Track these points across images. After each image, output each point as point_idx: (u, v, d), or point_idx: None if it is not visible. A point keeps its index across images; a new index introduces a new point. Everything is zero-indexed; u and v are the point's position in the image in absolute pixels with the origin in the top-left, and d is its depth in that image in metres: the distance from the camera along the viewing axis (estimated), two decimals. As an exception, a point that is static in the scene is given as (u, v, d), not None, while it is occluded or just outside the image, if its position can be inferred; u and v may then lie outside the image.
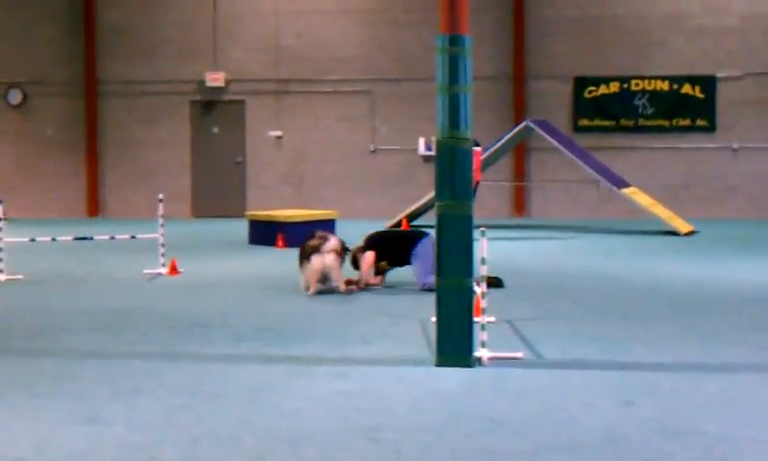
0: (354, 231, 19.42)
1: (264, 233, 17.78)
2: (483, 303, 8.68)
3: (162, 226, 14.24)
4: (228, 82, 24.12)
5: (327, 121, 23.99)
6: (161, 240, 14.18)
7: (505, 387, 7.57)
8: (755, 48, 22.69)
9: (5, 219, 14.00)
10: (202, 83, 24.16)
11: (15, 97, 24.52)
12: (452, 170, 8.31)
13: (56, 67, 24.50)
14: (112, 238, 15.83)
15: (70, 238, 15.95)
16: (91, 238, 16.01)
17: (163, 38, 24.29)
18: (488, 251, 8.64)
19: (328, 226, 18.15)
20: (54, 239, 15.69)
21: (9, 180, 24.30)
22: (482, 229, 8.74)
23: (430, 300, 8.63)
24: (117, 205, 24.46)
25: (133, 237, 15.60)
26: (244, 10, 24.09)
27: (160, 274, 13.97)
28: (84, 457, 5.96)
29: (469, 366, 8.12)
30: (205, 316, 10.78)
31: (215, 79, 24.05)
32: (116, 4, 24.35)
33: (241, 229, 18.90)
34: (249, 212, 19.75)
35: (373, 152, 23.93)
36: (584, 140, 22.33)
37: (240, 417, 6.80)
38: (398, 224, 20.91)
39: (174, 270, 14.07)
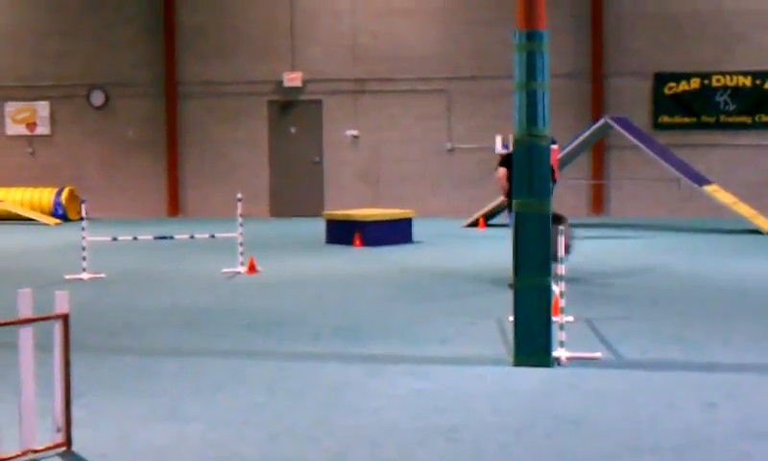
0: (431, 231, 19.44)
1: (341, 233, 17.85)
2: (561, 303, 8.59)
3: (241, 225, 14.38)
4: (305, 82, 24.26)
5: (404, 120, 23.99)
6: (240, 239, 14.32)
7: (584, 387, 7.49)
8: (841, 42, 22.15)
9: (89, 218, 14.25)
10: (279, 83, 24.34)
11: (98, 98, 24.97)
12: (530, 168, 8.24)
13: (136, 69, 24.89)
14: (192, 237, 16.02)
15: (151, 237, 16.19)
16: (172, 237, 16.23)
17: (241, 39, 24.51)
18: (564, 250, 8.54)
19: (405, 225, 18.22)
20: (135, 238, 15.95)
21: (91, 180, 24.76)
22: (560, 227, 8.65)
23: (508, 298, 8.57)
24: (197, 204, 24.77)
25: (213, 236, 15.78)
26: (321, 9, 24.21)
27: (239, 272, 14.10)
28: (165, 453, 6.04)
29: (548, 366, 8.05)
30: (284, 314, 10.85)
31: (292, 79, 24.22)
32: (195, 5, 24.65)
33: (318, 228, 19.00)
34: (326, 212, 19.84)
35: (450, 150, 23.88)
36: (664, 137, 22.02)
37: (318, 415, 6.83)
38: (476, 223, 20.84)
39: (252, 269, 14.19)
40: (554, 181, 13.02)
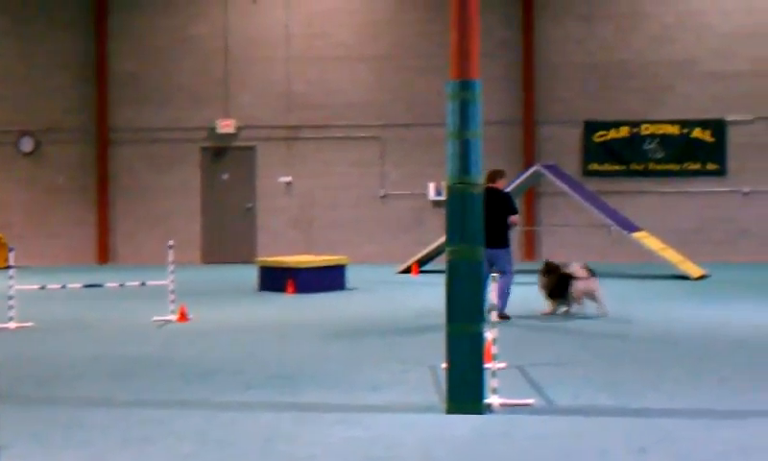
0: (365, 277, 19.43)
1: (274, 279, 17.75)
2: (494, 349, 8.62)
3: (172, 272, 14.23)
4: (238, 128, 24.23)
5: (338, 167, 24.04)
6: (171, 287, 14.16)
7: (517, 434, 7.50)
8: (764, 92, 22.70)
9: (16, 267, 14.01)
10: (213, 129, 24.27)
11: (27, 145, 24.64)
12: (463, 215, 8.29)
13: (68, 115, 24.63)
14: (122, 285, 15.82)
15: (80, 285, 15.96)
16: (101, 285, 16.01)
17: (174, 86, 24.42)
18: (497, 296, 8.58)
19: (339, 272, 18.18)
20: (64, 286, 15.71)
21: (20, 227, 24.36)
22: (493, 274, 8.70)
23: (441, 345, 8.58)
24: (128, 251, 24.49)
25: (143, 284, 15.59)
26: (254, 56, 24.23)
27: (170, 321, 13.94)
28: (92, 507, 5.91)
29: (481, 413, 8.05)
30: (215, 363, 10.74)
31: (226, 125, 24.16)
32: (128, 52, 24.52)
33: (251, 275, 18.89)
34: (259, 258, 19.75)
35: (384, 197, 23.95)
36: (594, 184, 22.32)
37: (250, 465, 6.75)
38: (409, 269, 20.88)
39: (183, 317, 14.04)
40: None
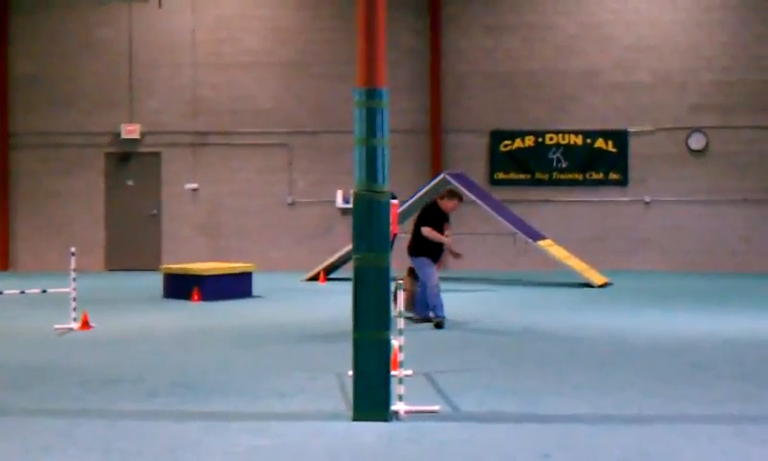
0: (271, 284, 19.33)
1: (179, 287, 17.54)
2: (400, 356, 8.64)
3: (74, 279, 13.95)
4: (143, 133, 23.90)
5: (245, 173, 23.88)
6: (73, 294, 13.89)
7: (423, 441, 7.53)
8: (665, 103, 23.21)
9: None
10: (117, 134, 23.89)
11: (-76, 148, 23.95)
12: (369, 222, 8.30)
13: (-34, 118, 24.03)
14: (23, 292, 15.46)
15: (-21, 292, 15.56)
16: (1, 292, 15.62)
17: (78, 89, 23.99)
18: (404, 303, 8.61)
19: (245, 279, 18.06)
20: (-38, 294, 15.31)
21: None
22: (398, 281, 8.73)
23: (348, 353, 8.58)
24: (29, 258, 23.97)
25: (44, 291, 15.26)
26: (160, 61, 23.94)
27: (72, 329, 13.67)
28: (-12, 520, 5.76)
29: (387, 420, 8.07)
30: (118, 372, 10.56)
31: (130, 131, 23.81)
32: (30, 55, 24.01)
33: (156, 282, 18.64)
34: (163, 265, 19.50)
35: (291, 204, 23.86)
36: (500, 193, 22.55)
37: (153, 475, 6.65)
38: (316, 277, 20.83)
39: (86, 325, 13.78)
40: (394, 236, 13.23)
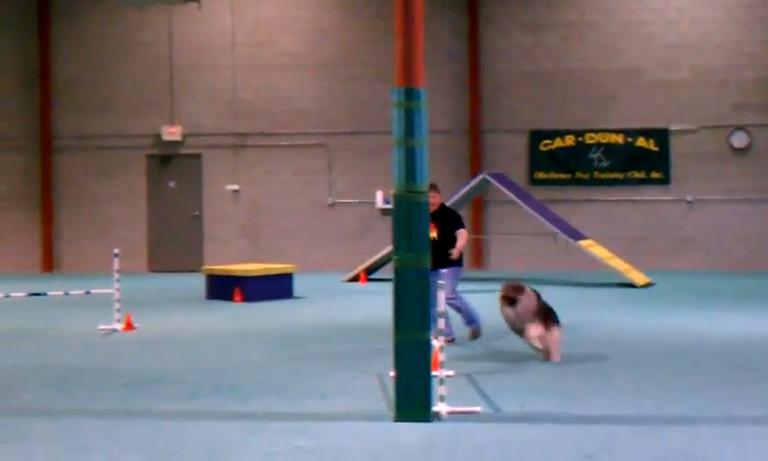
0: (312, 285, 19.36)
1: (221, 288, 17.64)
2: (441, 357, 8.63)
3: (118, 281, 14.07)
4: (184, 135, 24.06)
5: (285, 175, 23.96)
6: (116, 295, 14.01)
7: (464, 442, 7.51)
8: (707, 101, 23.00)
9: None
10: (158, 136, 24.07)
11: (-31, 152, 24.27)
12: (409, 223, 8.29)
13: (10, 122, 24.29)
14: (67, 294, 15.62)
15: (24, 294, 15.72)
16: (45, 294, 15.79)
17: (119, 92, 24.20)
18: (445, 304, 8.59)
19: (286, 280, 18.11)
20: (7, 295, 15.47)
21: (-39, 235, 24.00)
22: (441, 282, 8.71)
23: (389, 354, 8.58)
24: (72, 260, 24.21)
25: (88, 293, 15.41)
26: (201, 63, 24.09)
27: (115, 330, 13.79)
28: (34, 519, 5.82)
29: (428, 421, 8.05)
30: (161, 372, 10.63)
31: (172, 132, 23.98)
32: (71, 58, 24.26)
33: (198, 283, 18.75)
34: (205, 267, 19.61)
35: (331, 205, 23.91)
36: (540, 193, 22.46)
37: (195, 475, 6.69)
38: (357, 277, 20.85)
39: (129, 326, 13.90)
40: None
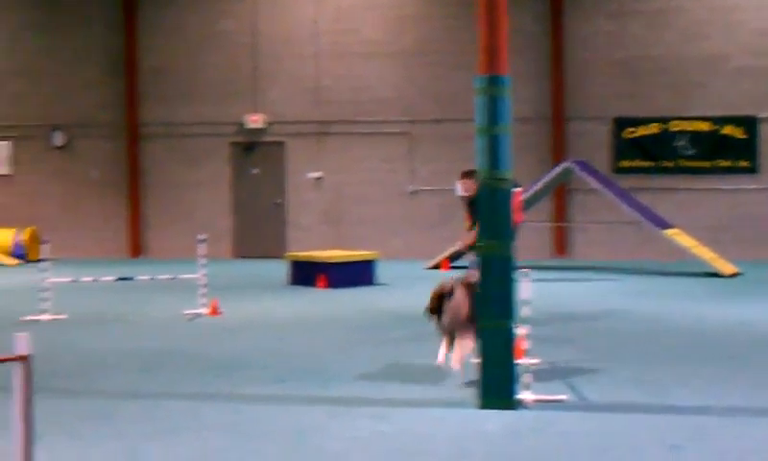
0: (394, 272, 19.42)
1: (304, 274, 17.80)
2: (526, 345, 8.60)
3: (203, 266, 14.29)
4: (267, 123, 24.28)
5: (367, 162, 24.04)
6: (202, 281, 14.22)
7: (549, 430, 7.48)
8: (797, 88, 22.49)
9: (50, 259, 14.11)
10: (241, 124, 24.33)
11: (59, 139, 24.81)
12: (492, 211, 8.27)
13: (98, 110, 24.80)
14: (153, 279, 15.90)
15: (112, 279, 16.04)
16: (133, 278, 16.08)
17: (203, 81, 24.51)
18: (529, 292, 8.56)
19: (369, 267, 18.19)
20: (96, 280, 15.81)
21: (54, 220, 24.54)
22: (524, 270, 8.67)
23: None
24: (159, 245, 24.62)
25: (174, 278, 15.66)
26: (284, 52, 24.27)
27: (201, 314, 14.00)
28: (125, 498, 5.95)
29: (513, 408, 8.04)
30: (246, 357, 10.77)
31: (255, 120, 24.21)
32: (157, 47, 24.63)
33: (281, 269, 18.94)
34: (289, 253, 19.78)
35: (413, 193, 23.93)
36: (624, 181, 22.18)
37: (281, 459, 6.76)
38: (439, 265, 20.84)
39: (214, 310, 14.09)
40: (518, 224, 12.97)
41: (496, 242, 8.21)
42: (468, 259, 12.80)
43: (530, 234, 22.00)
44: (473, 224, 12.08)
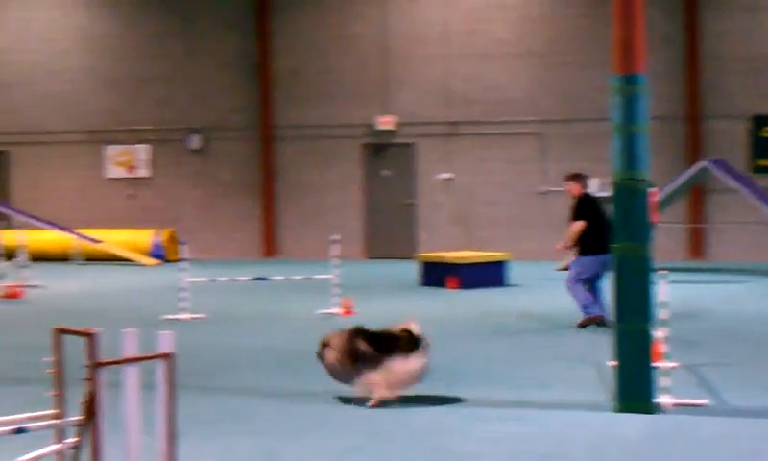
0: (525, 273, 19.28)
1: (435, 275, 17.83)
2: (663, 348, 8.45)
3: (336, 266, 14.46)
4: (398, 125, 24.41)
5: (497, 163, 23.94)
6: (335, 281, 14.39)
7: (689, 435, 7.33)
8: None
9: (188, 260, 14.48)
10: (372, 126, 24.52)
11: (195, 142, 25.44)
12: (629, 211, 8.16)
13: (233, 113, 25.33)
14: (288, 278, 16.15)
15: (248, 278, 16.36)
16: (267, 278, 16.36)
17: (335, 83, 24.79)
18: (667, 294, 8.41)
19: (500, 268, 18.12)
20: (232, 280, 16.14)
21: (189, 221, 25.18)
22: (662, 271, 8.52)
23: (606, 343, 8.46)
24: (292, 245, 25.01)
25: (308, 278, 15.88)
26: (413, 54, 24.37)
27: (335, 314, 14.17)
28: (267, 494, 6.06)
29: (651, 412, 7.91)
30: (380, 357, 10.83)
31: (385, 122, 24.38)
32: (290, 50, 25.02)
33: (412, 270, 19.01)
34: (419, 254, 19.85)
35: (543, 193, 23.74)
36: (763, 181, 21.56)
37: (417, 460, 6.80)
38: (568, 267, 20.58)
39: (348, 310, 14.25)
40: (652, 225, 12.81)
41: (633, 243, 8.10)
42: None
43: (664, 236, 21.58)
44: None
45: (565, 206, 23.26)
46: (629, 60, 8.24)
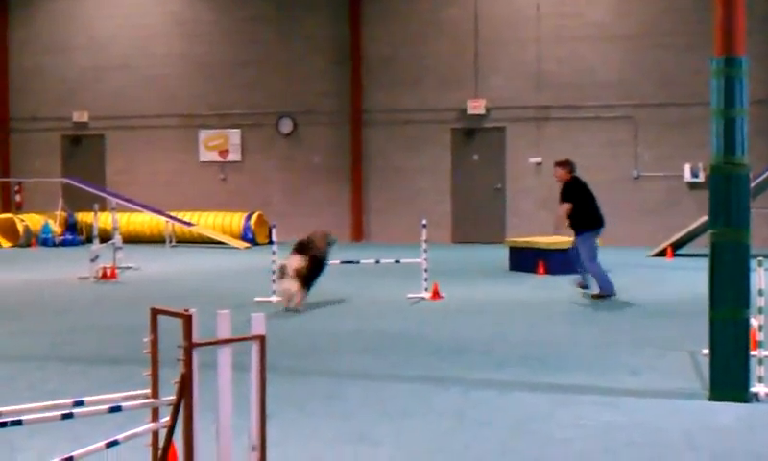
0: (616, 260, 19.05)
1: (524, 260, 17.72)
2: (759, 336, 8.26)
3: (425, 251, 14.44)
4: (488, 109, 24.27)
5: (589, 147, 23.66)
6: (424, 265, 14.38)
7: (786, 426, 7.17)
8: None
9: (278, 243, 14.61)
10: (463, 110, 24.42)
11: (286, 126, 25.65)
12: (727, 197, 7.98)
13: (323, 98, 25.46)
14: (377, 262, 16.18)
15: (337, 262, 16.41)
16: (358, 262, 16.42)
17: (426, 68, 24.74)
18: (764, 281, 8.21)
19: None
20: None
21: (279, 205, 25.42)
22: (759, 258, 8.33)
23: (698, 330, 8.29)
24: (380, 229, 25.08)
25: (397, 262, 15.88)
26: (505, 37, 24.19)
27: (423, 298, 14.17)
28: (356, 476, 6.08)
29: (746, 402, 7.74)
30: (468, 341, 10.83)
31: (476, 106, 24.27)
32: (381, 36, 25.04)
33: (501, 255, 18.92)
34: (508, 239, 19.73)
35: (636, 178, 23.40)
36: None
37: (507, 446, 6.76)
38: (663, 252, 20.30)
39: (436, 294, 14.24)
40: None
41: (731, 229, 7.92)
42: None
43: (758, 222, 21.09)
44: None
45: (659, 190, 23.03)
46: (729, 43, 8.06)
